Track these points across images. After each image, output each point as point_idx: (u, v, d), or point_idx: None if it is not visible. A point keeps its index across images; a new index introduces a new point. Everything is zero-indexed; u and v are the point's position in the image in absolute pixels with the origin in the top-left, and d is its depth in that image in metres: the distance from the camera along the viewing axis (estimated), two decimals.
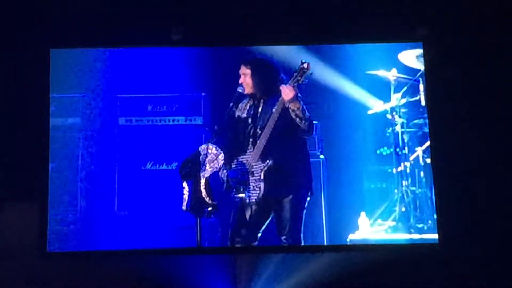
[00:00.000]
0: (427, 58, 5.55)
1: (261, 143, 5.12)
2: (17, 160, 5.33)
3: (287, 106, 5.06)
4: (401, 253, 5.35)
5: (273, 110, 5.10)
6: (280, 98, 5.07)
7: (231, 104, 5.31)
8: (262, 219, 5.21)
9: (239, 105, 5.33)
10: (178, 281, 5.17)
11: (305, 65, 5.05)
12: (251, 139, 5.19)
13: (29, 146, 5.34)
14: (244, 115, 5.29)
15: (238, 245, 5.20)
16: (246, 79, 5.27)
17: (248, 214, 5.17)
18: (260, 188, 5.10)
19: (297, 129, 5.10)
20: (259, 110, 5.25)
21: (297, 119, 5.06)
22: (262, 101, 5.26)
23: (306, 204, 5.17)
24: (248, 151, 5.19)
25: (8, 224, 5.26)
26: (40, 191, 5.29)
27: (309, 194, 5.21)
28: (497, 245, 5.23)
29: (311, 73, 5.07)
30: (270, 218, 5.20)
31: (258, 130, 5.18)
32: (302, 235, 5.16)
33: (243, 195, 5.16)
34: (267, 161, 5.10)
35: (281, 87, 5.07)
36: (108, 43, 5.60)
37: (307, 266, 5.24)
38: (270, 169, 5.09)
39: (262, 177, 5.10)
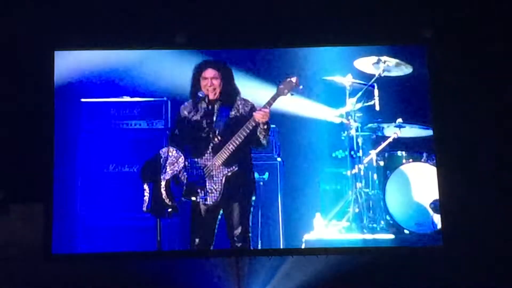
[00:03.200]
0: (432, 61, 5.61)
1: (227, 149, 5.22)
2: (22, 163, 5.36)
3: (258, 124, 5.19)
4: (405, 256, 5.47)
5: (240, 116, 5.25)
6: (253, 118, 5.18)
7: (191, 108, 5.38)
8: (213, 221, 5.31)
9: (196, 107, 5.37)
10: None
11: (293, 79, 5.17)
12: (211, 144, 5.27)
13: (34, 149, 5.38)
14: (198, 117, 5.34)
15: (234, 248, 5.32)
16: (213, 82, 5.31)
17: (203, 216, 5.29)
18: (219, 192, 5.22)
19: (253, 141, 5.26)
20: (215, 113, 5.31)
21: (261, 137, 5.21)
22: (216, 104, 5.33)
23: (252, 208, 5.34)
24: (205, 154, 5.29)
25: (13, 226, 5.32)
26: (45, 194, 5.34)
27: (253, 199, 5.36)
28: (500, 246, 5.33)
29: (300, 87, 5.20)
30: (219, 220, 5.31)
31: (217, 134, 5.26)
32: (250, 235, 5.32)
33: (195, 198, 5.27)
34: (233, 167, 5.24)
35: (258, 109, 5.17)
36: (109, 45, 5.68)
37: (308, 268, 5.43)
38: (233, 175, 5.23)
39: (223, 181, 5.22)
